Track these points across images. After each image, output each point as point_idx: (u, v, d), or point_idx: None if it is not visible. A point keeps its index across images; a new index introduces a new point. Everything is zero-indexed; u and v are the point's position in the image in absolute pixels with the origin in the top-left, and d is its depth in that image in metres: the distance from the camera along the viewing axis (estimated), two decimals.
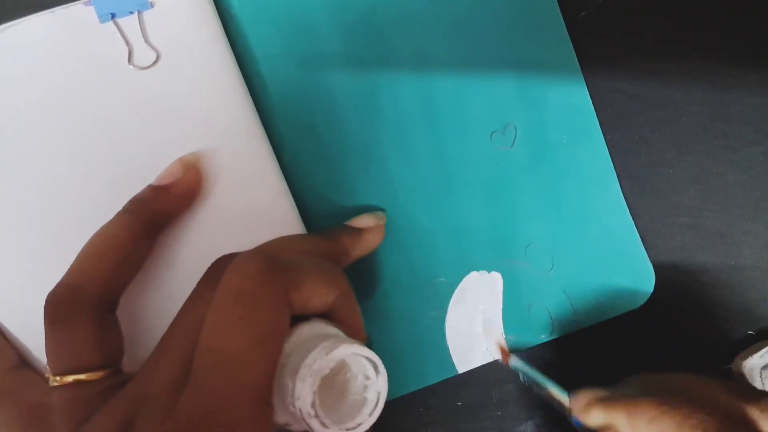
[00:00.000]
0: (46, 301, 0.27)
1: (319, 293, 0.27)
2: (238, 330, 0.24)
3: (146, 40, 0.33)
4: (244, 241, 0.30)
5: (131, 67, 0.33)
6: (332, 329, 0.27)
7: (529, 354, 0.39)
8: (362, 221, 0.35)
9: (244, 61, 0.35)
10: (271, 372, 0.24)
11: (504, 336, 0.39)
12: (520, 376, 0.37)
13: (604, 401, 0.33)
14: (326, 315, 0.28)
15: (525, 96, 0.38)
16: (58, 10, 0.32)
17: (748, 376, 0.38)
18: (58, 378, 0.26)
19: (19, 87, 0.32)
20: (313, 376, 0.23)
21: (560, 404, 0.35)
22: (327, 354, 0.24)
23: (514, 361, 0.38)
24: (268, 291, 0.24)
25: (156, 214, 0.30)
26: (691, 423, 0.30)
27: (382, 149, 0.37)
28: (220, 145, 0.33)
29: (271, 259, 0.25)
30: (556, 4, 0.38)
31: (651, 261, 0.39)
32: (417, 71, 0.37)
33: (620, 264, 0.39)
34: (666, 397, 0.32)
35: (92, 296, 0.27)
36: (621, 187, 0.39)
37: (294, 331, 0.26)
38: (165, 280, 0.32)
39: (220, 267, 0.27)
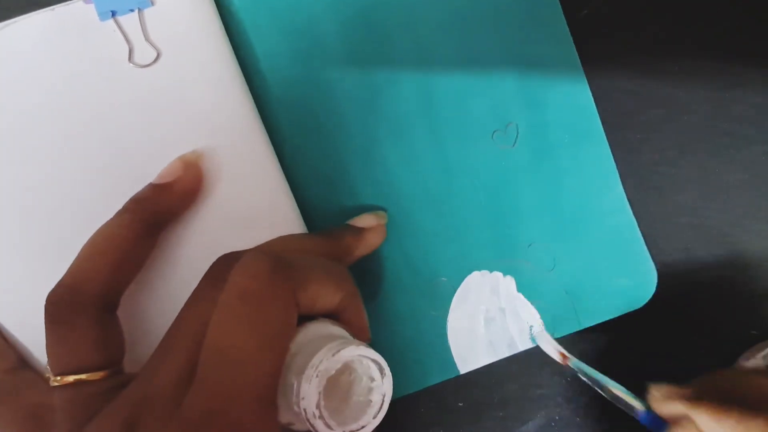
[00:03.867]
0: (47, 301, 0.27)
1: (326, 294, 0.27)
2: (245, 330, 0.24)
3: (146, 38, 0.32)
4: (245, 240, 0.30)
5: (131, 65, 0.32)
6: (338, 329, 0.27)
7: (532, 355, 0.39)
8: (363, 221, 0.35)
9: (245, 59, 0.35)
10: (277, 372, 0.24)
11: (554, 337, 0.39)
12: (581, 376, 0.36)
13: (688, 398, 0.32)
14: (332, 315, 0.28)
15: (526, 95, 0.38)
16: (59, 8, 0.32)
17: None
18: (58, 378, 0.26)
19: (18, 85, 0.32)
20: (319, 376, 0.23)
21: (625, 402, 0.34)
22: (333, 355, 0.24)
23: (574, 362, 0.37)
24: (276, 291, 0.24)
25: (157, 213, 0.30)
26: None
27: (383, 148, 0.37)
28: (220, 143, 0.33)
29: (278, 259, 0.25)
30: (558, 2, 0.38)
31: (653, 260, 0.39)
32: (418, 70, 0.37)
33: (622, 264, 0.39)
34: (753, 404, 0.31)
35: (92, 296, 0.27)
36: (623, 186, 0.39)
37: (300, 330, 0.26)
38: (166, 279, 0.32)
39: (222, 266, 0.27)
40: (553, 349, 0.38)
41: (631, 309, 0.39)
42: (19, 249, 0.32)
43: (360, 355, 0.25)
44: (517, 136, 0.38)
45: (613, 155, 0.39)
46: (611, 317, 0.39)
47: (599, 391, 0.36)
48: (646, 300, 0.39)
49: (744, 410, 0.31)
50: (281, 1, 0.35)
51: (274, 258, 0.25)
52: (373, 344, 0.29)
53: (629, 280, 0.39)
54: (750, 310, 0.40)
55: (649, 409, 0.33)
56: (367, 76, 0.37)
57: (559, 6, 0.38)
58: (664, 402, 0.33)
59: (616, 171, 0.39)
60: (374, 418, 0.25)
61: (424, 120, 0.37)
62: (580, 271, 0.39)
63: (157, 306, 0.32)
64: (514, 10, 0.37)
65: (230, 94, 0.33)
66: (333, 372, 0.24)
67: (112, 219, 0.29)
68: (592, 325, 0.39)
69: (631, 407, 0.34)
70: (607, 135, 0.38)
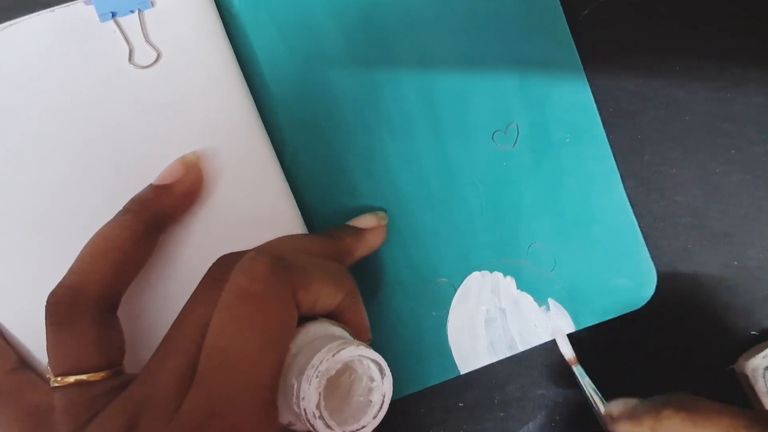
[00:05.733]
0: (47, 302, 0.27)
1: (326, 294, 0.27)
2: (246, 330, 0.24)
3: (147, 39, 0.32)
4: (246, 241, 0.30)
5: (132, 66, 0.32)
6: (338, 330, 0.27)
7: (532, 355, 0.39)
8: (364, 221, 0.35)
9: (245, 60, 0.35)
10: (277, 372, 0.24)
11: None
12: (578, 383, 0.37)
13: (632, 414, 0.33)
14: (332, 315, 0.28)
15: (527, 95, 0.38)
16: (59, 9, 0.32)
17: (751, 376, 0.38)
18: (59, 379, 0.26)
19: (19, 86, 0.32)
20: (319, 377, 0.24)
21: (602, 418, 0.36)
22: (333, 355, 0.24)
23: (578, 369, 0.38)
24: (276, 292, 0.24)
25: (157, 214, 0.30)
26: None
27: (383, 149, 0.37)
28: (221, 144, 0.33)
29: (279, 259, 0.25)
30: (559, 2, 0.38)
31: (654, 261, 0.39)
32: (419, 70, 0.37)
33: (622, 264, 0.39)
34: (691, 406, 0.32)
35: (93, 297, 0.27)
36: (624, 186, 0.39)
37: (300, 331, 0.26)
38: (166, 280, 0.32)
39: (221, 267, 0.27)
40: (568, 349, 0.38)
41: (631, 309, 0.39)
42: (19, 249, 0.32)
43: (360, 356, 0.25)
44: (517, 136, 0.38)
45: (614, 155, 0.38)
46: (611, 317, 0.39)
47: (590, 403, 0.36)
48: (646, 300, 0.39)
49: (682, 412, 0.31)
50: (282, 1, 0.35)
51: (275, 259, 0.25)
52: (373, 344, 0.29)
53: (629, 280, 0.39)
54: (750, 310, 0.40)
55: None
56: (367, 76, 0.37)
57: (560, 6, 0.38)
58: (614, 423, 0.34)
59: (617, 171, 0.39)
60: (374, 418, 0.25)
61: (425, 120, 0.37)
62: (581, 272, 0.39)
63: (158, 306, 0.32)
64: (514, 10, 0.37)
65: (230, 95, 0.33)
66: (333, 372, 0.24)
67: (112, 220, 0.29)
68: (591, 324, 0.39)
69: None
70: (607, 135, 0.38)
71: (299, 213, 0.35)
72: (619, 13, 0.38)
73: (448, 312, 0.38)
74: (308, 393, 0.23)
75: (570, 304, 0.39)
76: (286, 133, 0.36)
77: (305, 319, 0.27)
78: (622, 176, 0.39)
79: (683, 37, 0.39)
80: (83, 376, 0.26)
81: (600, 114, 0.38)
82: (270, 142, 0.34)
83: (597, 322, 0.39)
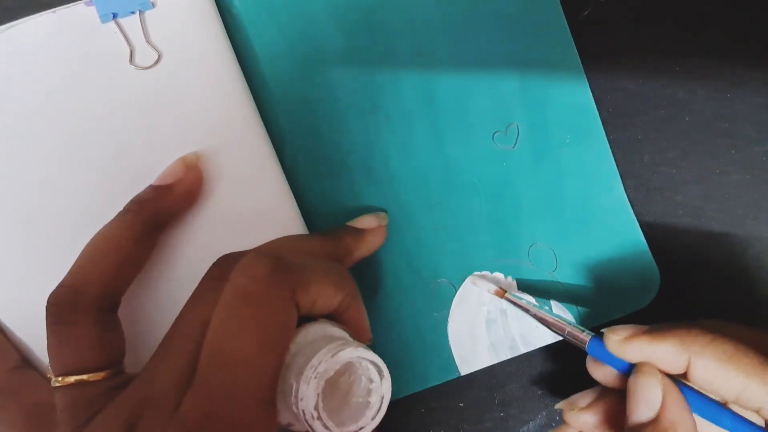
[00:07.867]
0: (48, 302, 0.27)
1: (326, 295, 0.27)
2: (245, 331, 0.24)
3: (147, 40, 0.33)
4: (246, 241, 0.30)
5: (132, 66, 0.33)
6: (338, 330, 0.27)
7: (533, 355, 0.39)
8: (364, 222, 0.35)
9: (246, 61, 0.35)
10: (276, 373, 0.24)
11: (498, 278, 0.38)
12: (522, 310, 0.36)
13: (651, 332, 0.30)
14: (332, 316, 0.28)
15: (527, 95, 0.38)
16: (60, 10, 0.32)
17: None
18: (60, 378, 0.26)
19: (20, 86, 0.32)
20: (317, 378, 0.24)
21: (572, 335, 0.33)
22: (332, 356, 0.24)
23: (513, 295, 0.36)
24: (276, 292, 0.25)
25: (157, 214, 0.30)
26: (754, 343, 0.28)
27: (383, 149, 0.37)
28: (221, 144, 0.33)
29: (278, 260, 0.25)
30: (559, 2, 0.38)
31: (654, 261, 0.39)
32: (419, 70, 0.37)
33: (625, 264, 0.39)
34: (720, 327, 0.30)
35: (93, 297, 0.27)
36: (624, 186, 0.39)
37: (300, 331, 0.26)
38: (167, 280, 0.32)
39: (222, 267, 0.27)
40: (486, 288, 0.37)
41: (634, 309, 0.39)
42: (21, 249, 0.32)
43: (359, 357, 0.25)
44: (518, 137, 0.38)
45: (614, 155, 0.38)
46: (614, 318, 0.39)
47: (541, 323, 0.35)
48: (649, 301, 0.39)
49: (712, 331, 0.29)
50: (282, 1, 0.36)
51: (275, 259, 0.25)
52: (373, 345, 0.29)
53: (632, 280, 0.39)
54: (750, 311, 0.40)
55: (596, 336, 0.32)
56: (367, 76, 0.37)
57: (560, 6, 0.37)
58: (624, 343, 0.30)
59: (617, 171, 0.39)
60: (372, 419, 0.25)
61: (425, 121, 0.37)
62: (583, 272, 0.39)
63: (158, 306, 0.32)
64: (514, 10, 0.37)
65: (231, 96, 0.33)
66: (332, 373, 0.24)
67: (113, 220, 0.29)
68: (596, 326, 0.39)
69: (578, 338, 0.33)
70: (607, 135, 0.38)
71: (299, 213, 0.35)
72: (619, 13, 0.38)
73: (448, 312, 0.38)
74: (307, 394, 0.23)
75: (573, 305, 0.39)
76: (287, 134, 0.36)
77: (305, 319, 0.27)
78: (621, 176, 0.39)
79: (683, 37, 0.39)
80: (84, 376, 0.26)
81: (600, 114, 0.38)
82: (270, 142, 0.34)
83: (601, 323, 0.39)
